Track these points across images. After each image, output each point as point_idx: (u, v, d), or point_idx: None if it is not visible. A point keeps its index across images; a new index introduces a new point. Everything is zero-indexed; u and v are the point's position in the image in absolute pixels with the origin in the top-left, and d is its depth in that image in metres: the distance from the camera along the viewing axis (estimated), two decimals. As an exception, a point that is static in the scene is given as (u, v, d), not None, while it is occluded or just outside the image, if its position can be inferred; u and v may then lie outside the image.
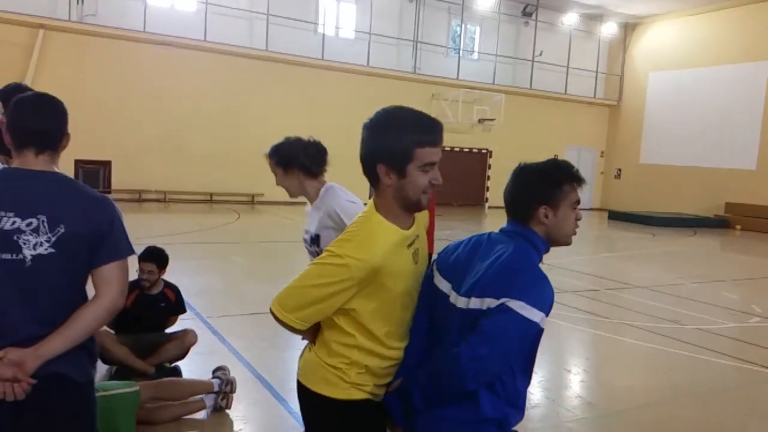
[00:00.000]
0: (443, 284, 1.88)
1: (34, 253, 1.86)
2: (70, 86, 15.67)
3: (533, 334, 1.69)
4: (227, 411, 3.94)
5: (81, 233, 1.90)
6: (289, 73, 18.43)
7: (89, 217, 1.94)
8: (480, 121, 22.02)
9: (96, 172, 16.57)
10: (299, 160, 2.91)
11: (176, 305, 4.59)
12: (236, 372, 4.57)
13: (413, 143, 1.71)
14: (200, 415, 3.86)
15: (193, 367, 4.55)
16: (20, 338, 1.84)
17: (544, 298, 1.70)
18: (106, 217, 1.98)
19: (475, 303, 1.73)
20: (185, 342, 4.51)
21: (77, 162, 15.80)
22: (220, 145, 17.67)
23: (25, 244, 1.86)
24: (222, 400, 3.90)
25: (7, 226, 1.86)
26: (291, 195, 3.00)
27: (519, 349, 1.72)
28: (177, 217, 14.81)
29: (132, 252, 2.05)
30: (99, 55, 16.09)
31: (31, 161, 1.97)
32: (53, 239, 1.87)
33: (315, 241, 2.88)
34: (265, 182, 19.67)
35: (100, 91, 16.03)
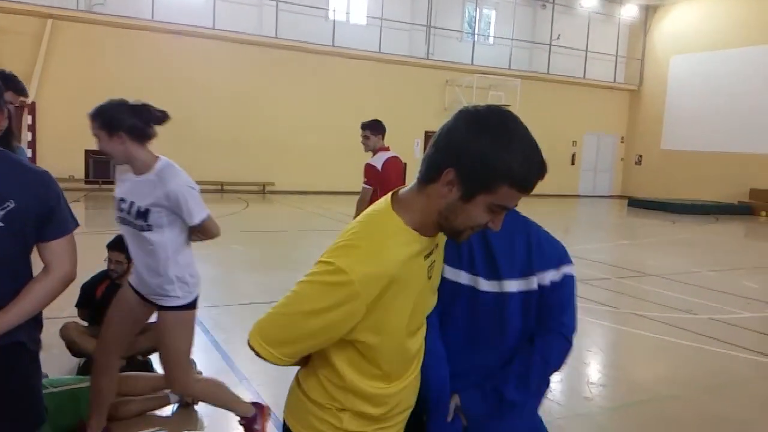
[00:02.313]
0: (462, 276, 1.64)
1: None
2: (79, 76, 15.68)
3: None
4: (194, 407, 3.75)
5: (30, 208, 1.91)
6: (299, 60, 18.19)
7: (37, 192, 1.94)
8: (495, 107, 21.57)
9: (106, 162, 16.56)
10: (126, 123, 2.67)
11: (147, 296, 4.40)
12: (211, 366, 4.40)
13: (507, 177, 1.26)
14: (166, 411, 3.68)
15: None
16: None
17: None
18: (53, 192, 1.99)
19: (527, 282, 1.65)
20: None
21: (87, 152, 15.83)
22: (229, 134, 17.55)
23: None
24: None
25: None
26: (116, 162, 2.80)
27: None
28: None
29: (77, 224, 2.07)
30: (107, 45, 16.03)
31: None
32: (1, 214, 1.87)
33: (143, 215, 2.72)
34: (276, 171, 19.95)
35: (109, 80, 15.97)
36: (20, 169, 1.96)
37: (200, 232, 2.84)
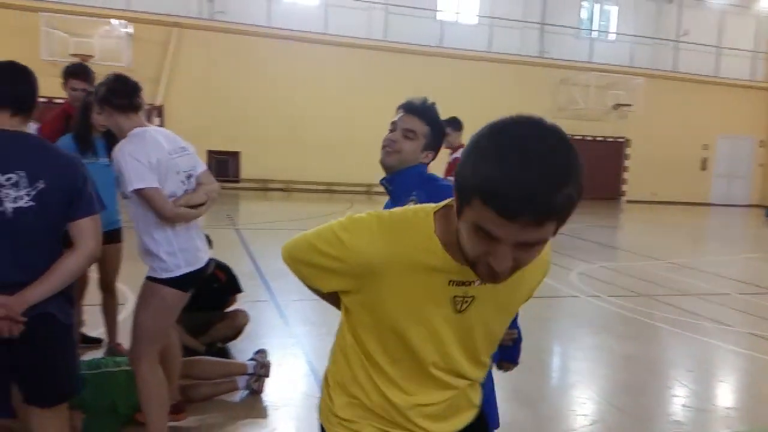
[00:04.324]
0: None
1: (14, 206, 2.01)
2: (202, 81, 16.72)
3: None
4: (262, 395, 3.77)
5: (59, 189, 2.07)
6: (407, 62, 18.23)
7: (66, 173, 2.11)
8: (615, 107, 20.40)
9: (225, 162, 17.53)
10: (99, 94, 2.82)
11: (228, 285, 4.53)
12: (292, 358, 4.43)
13: (478, 187, 1.02)
14: (234, 397, 3.73)
15: (245, 347, 4.45)
16: (5, 283, 2.01)
17: None
18: (80, 175, 2.15)
19: None
20: (236, 322, 4.46)
21: (209, 152, 16.79)
22: (339, 136, 17.93)
23: (5, 197, 2.01)
24: (255, 382, 3.75)
25: None
26: (118, 135, 2.86)
27: None
28: (295, 206, 15.22)
29: (104, 207, 2.23)
30: (226, 51, 16.95)
31: (6, 122, 2.12)
32: (33, 193, 2.03)
33: (118, 182, 2.83)
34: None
35: (229, 85, 16.89)
36: (51, 153, 2.13)
37: (146, 203, 2.76)
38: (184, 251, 2.84)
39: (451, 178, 5.11)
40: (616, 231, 15.14)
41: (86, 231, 2.12)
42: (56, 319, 2.11)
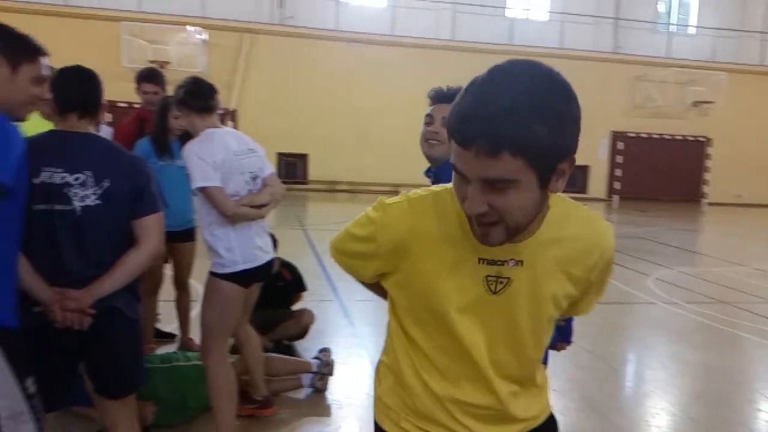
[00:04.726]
0: None
1: (82, 204, 2.11)
2: (273, 85, 17.12)
3: None
4: (326, 393, 3.81)
5: (124, 187, 2.17)
6: (476, 61, 17.92)
7: (131, 173, 2.21)
8: (695, 104, 19.44)
9: (294, 164, 17.89)
10: (178, 96, 2.96)
11: (293, 284, 4.60)
12: (356, 358, 4.45)
13: (448, 121, 1.07)
14: (300, 394, 3.78)
15: (310, 346, 4.50)
16: (76, 278, 2.11)
17: None
18: (144, 174, 2.25)
19: None
20: (302, 321, 4.51)
21: (279, 155, 17.17)
22: (405, 137, 17.85)
23: (74, 196, 2.11)
24: (319, 380, 3.79)
25: (57, 180, 2.10)
26: (194, 135, 2.98)
27: None
28: (360, 207, 15.09)
29: (166, 206, 2.33)
30: (296, 54, 17.29)
31: (75, 124, 2.22)
32: (99, 192, 2.13)
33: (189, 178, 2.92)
34: None
35: (298, 88, 17.22)
36: (116, 154, 2.24)
37: (209, 201, 2.88)
38: (242, 249, 2.91)
39: None
40: (697, 234, 14.42)
41: (150, 228, 2.21)
42: (122, 313, 2.19)
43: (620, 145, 19.60)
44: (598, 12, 19.21)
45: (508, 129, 0.97)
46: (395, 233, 1.25)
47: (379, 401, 1.42)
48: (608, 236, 1.30)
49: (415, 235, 1.23)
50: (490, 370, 1.28)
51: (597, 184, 19.59)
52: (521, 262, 1.21)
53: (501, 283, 1.23)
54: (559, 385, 4.01)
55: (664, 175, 19.55)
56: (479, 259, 1.21)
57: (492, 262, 1.21)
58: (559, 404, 3.64)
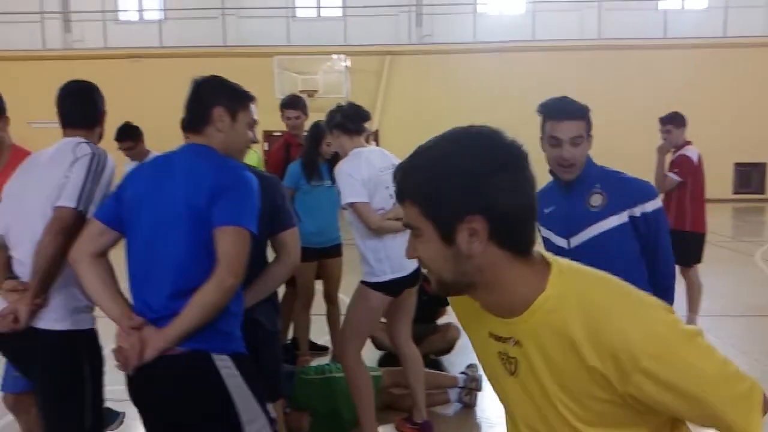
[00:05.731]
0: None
1: None
2: (413, 104, 17.39)
3: None
4: (475, 409, 3.72)
5: (262, 207, 2.15)
6: (625, 58, 16.94)
7: (267, 192, 2.22)
8: None
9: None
10: (335, 120, 3.17)
11: (436, 298, 4.55)
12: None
13: None
14: (448, 409, 3.74)
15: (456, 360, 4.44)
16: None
17: None
18: (279, 194, 2.38)
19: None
20: (448, 336, 4.50)
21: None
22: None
23: None
24: (466, 396, 3.72)
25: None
26: (342, 155, 3.21)
27: None
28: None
29: (300, 220, 2.53)
30: (435, 72, 17.35)
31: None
32: None
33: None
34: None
35: (440, 104, 17.26)
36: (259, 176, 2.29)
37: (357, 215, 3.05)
38: (391, 259, 3.05)
39: (672, 175, 4.91)
40: None
41: (288, 243, 2.32)
42: (262, 325, 2.30)
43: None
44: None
45: (409, 179, 1.07)
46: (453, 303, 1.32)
47: None
48: (638, 338, 0.98)
49: (459, 309, 1.30)
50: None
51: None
52: (519, 342, 1.11)
53: (511, 363, 1.15)
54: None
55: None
56: (489, 333, 1.18)
57: (498, 338, 1.16)
58: None
